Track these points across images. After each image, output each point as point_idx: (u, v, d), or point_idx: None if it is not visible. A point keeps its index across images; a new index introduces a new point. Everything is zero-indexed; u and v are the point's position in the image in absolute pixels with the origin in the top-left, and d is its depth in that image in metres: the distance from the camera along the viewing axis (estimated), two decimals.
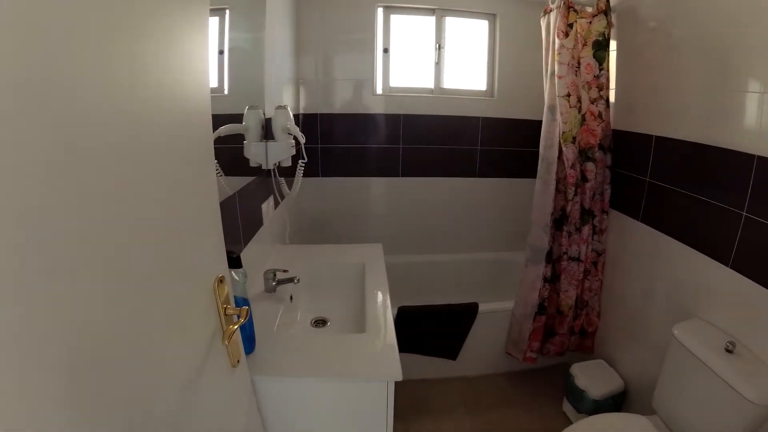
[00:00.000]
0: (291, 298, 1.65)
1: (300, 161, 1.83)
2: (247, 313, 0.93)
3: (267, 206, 1.85)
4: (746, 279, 1.53)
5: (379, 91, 2.74)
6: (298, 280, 1.62)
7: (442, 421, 2.25)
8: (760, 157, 1.48)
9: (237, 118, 1.58)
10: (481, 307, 2.40)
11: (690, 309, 1.81)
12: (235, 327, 0.89)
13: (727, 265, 1.62)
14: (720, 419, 1.47)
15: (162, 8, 0.65)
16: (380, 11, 2.67)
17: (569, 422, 2.17)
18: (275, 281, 1.61)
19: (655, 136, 2.00)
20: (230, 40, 1.53)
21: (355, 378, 1.21)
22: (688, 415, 1.61)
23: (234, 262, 1.13)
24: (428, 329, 2.41)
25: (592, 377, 2.18)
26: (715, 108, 1.69)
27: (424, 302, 2.47)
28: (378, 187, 2.88)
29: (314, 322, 1.68)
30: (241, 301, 1.14)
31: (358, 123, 2.74)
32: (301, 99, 2.66)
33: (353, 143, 2.77)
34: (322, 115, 2.70)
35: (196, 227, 0.83)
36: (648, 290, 2.08)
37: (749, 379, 1.39)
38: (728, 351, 1.50)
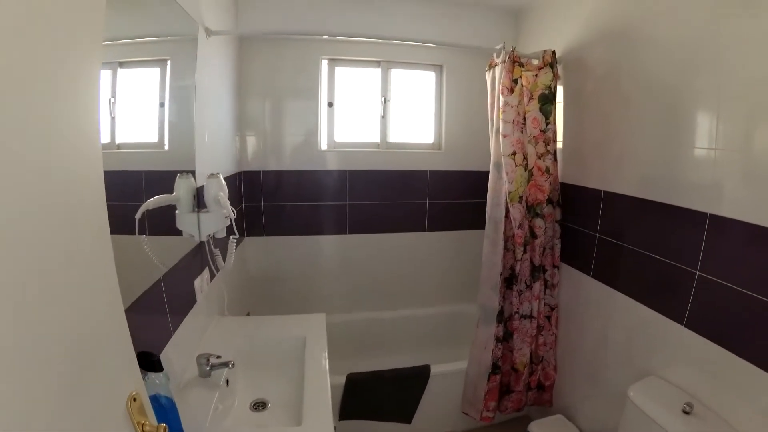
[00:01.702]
0: (227, 382, 1.55)
1: (231, 237, 1.76)
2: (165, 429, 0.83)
3: (201, 281, 1.75)
4: (702, 338, 1.55)
5: (324, 146, 2.72)
6: (233, 365, 1.52)
7: None
8: (712, 216, 1.51)
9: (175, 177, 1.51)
10: (434, 370, 2.35)
11: (646, 365, 1.82)
12: None
13: (681, 324, 1.64)
14: None
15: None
16: (324, 64, 2.67)
17: None
18: (209, 366, 1.51)
19: (604, 191, 2.04)
20: (171, 91, 1.47)
21: None
22: None
23: (154, 365, 1.06)
24: (380, 395, 2.32)
25: None
26: (664, 163, 1.73)
27: (377, 362, 2.42)
28: (325, 245, 2.82)
29: (254, 405, 1.59)
30: (165, 401, 1.06)
31: (303, 180, 2.69)
32: (243, 156, 2.60)
33: (298, 201, 2.71)
34: (265, 172, 2.64)
35: (93, 337, 0.68)
36: (603, 344, 2.09)
37: None
38: (686, 413, 1.49)
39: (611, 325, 2.04)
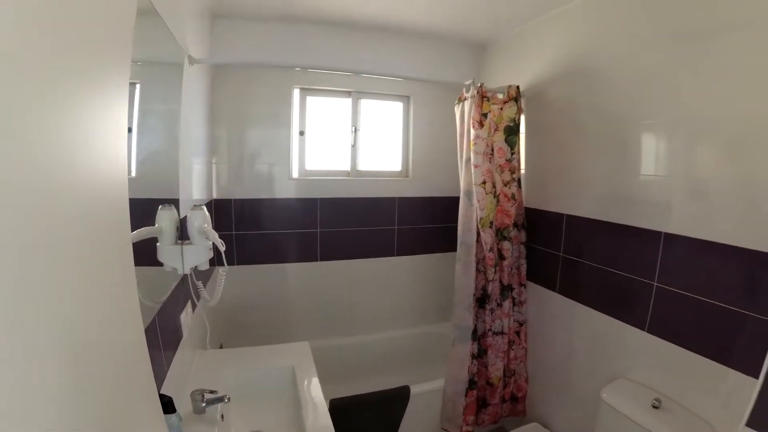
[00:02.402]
0: (222, 417, 1.57)
1: (221, 269, 1.75)
2: None
3: (186, 316, 1.75)
4: (663, 341, 1.78)
5: (295, 174, 2.78)
6: (229, 399, 1.54)
7: None
8: (666, 234, 1.76)
9: (146, 203, 1.49)
10: (413, 390, 2.45)
11: (614, 370, 2.03)
12: None
13: (644, 330, 1.87)
14: None
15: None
16: (297, 93, 2.74)
17: None
18: (204, 402, 1.53)
19: (566, 214, 2.27)
20: (140, 117, 1.47)
21: None
22: None
23: (167, 407, 1.08)
24: (363, 418, 2.39)
25: None
26: (618, 187, 1.98)
27: (357, 386, 2.48)
28: (297, 272, 2.85)
29: None
30: None
31: (274, 208, 2.73)
32: (214, 184, 2.60)
33: (269, 229, 2.74)
34: (236, 200, 2.66)
35: (119, 372, 0.60)
36: (571, 354, 2.30)
37: (679, 430, 1.59)
38: (655, 407, 1.71)
39: (577, 336, 2.25)
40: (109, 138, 0.60)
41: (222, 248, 1.66)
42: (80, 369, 0.47)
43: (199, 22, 2.13)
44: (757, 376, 1.20)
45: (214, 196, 2.60)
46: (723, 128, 1.56)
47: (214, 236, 1.65)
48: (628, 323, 1.96)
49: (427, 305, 3.20)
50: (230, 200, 2.65)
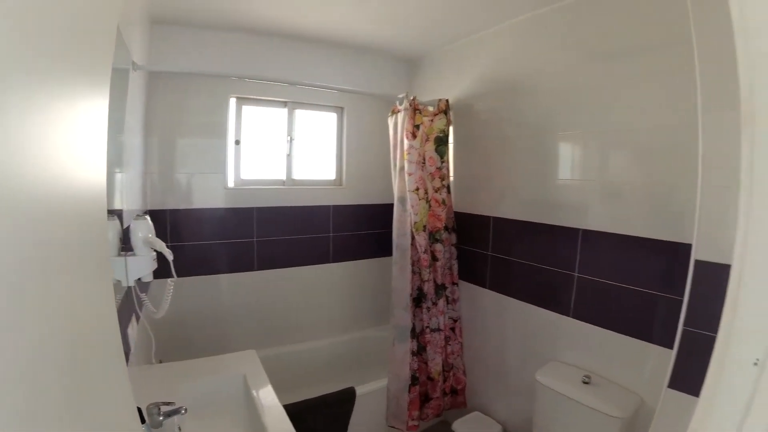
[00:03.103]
0: (179, 429, 1.57)
1: (169, 280, 1.73)
2: None
3: (132, 329, 1.75)
4: (587, 324, 2.07)
5: (231, 184, 2.79)
6: (186, 410, 1.54)
7: None
8: (584, 230, 2.05)
9: None
10: (359, 390, 2.56)
11: (546, 354, 2.29)
12: None
13: (569, 316, 2.15)
14: None
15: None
16: (233, 102, 2.76)
17: None
18: (161, 415, 1.55)
19: (493, 217, 2.51)
20: None
21: None
22: None
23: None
24: (311, 422, 2.47)
25: (473, 429, 2.52)
26: (542, 191, 2.25)
27: (302, 393, 2.54)
28: (235, 282, 2.87)
29: None
30: None
31: (210, 218, 2.73)
32: (149, 194, 2.56)
33: (206, 239, 2.73)
34: (171, 210, 2.62)
35: (103, 376, 0.62)
36: (504, 344, 2.55)
37: (609, 401, 1.85)
38: (585, 383, 1.98)
39: (509, 327, 2.50)
40: (87, 144, 0.60)
41: (170, 257, 1.65)
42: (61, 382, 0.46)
43: (140, 27, 2.12)
44: (672, 347, 1.44)
45: (149, 206, 2.56)
46: (632, 138, 1.86)
47: (162, 245, 1.64)
48: (554, 311, 2.23)
49: (365, 310, 3.35)
50: (165, 210, 2.61)
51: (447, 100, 2.63)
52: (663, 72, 1.73)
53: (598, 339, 2.04)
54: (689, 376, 1.39)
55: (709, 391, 0.73)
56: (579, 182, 2.10)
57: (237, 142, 2.81)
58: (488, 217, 2.56)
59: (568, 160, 2.17)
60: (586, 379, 2.00)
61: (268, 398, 1.76)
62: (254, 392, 1.78)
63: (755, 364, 0.67)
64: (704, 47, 1.33)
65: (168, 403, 1.54)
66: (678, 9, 1.55)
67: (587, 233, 2.05)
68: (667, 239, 1.74)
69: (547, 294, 2.28)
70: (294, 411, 2.38)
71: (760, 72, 0.61)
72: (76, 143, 0.54)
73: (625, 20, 1.87)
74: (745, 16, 0.61)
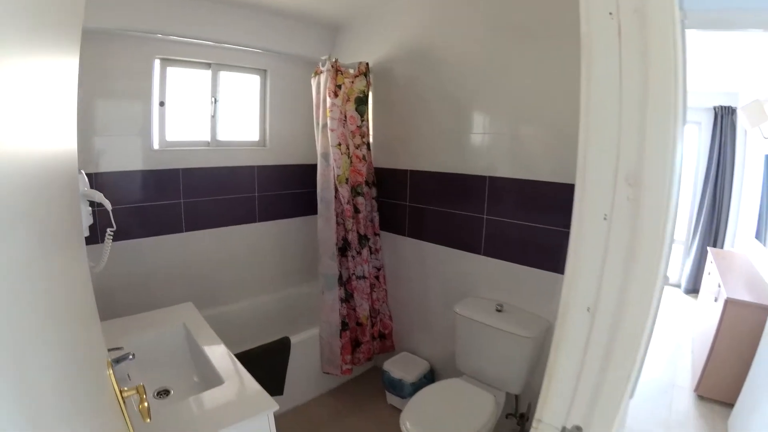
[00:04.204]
0: (129, 376, 1.61)
1: (108, 230, 1.76)
2: (143, 388, 1.03)
3: None
4: (496, 260, 2.44)
5: (156, 146, 2.83)
6: (134, 356, 1.61)
7: None
8: (490, 177, 2.40)
9: None
10: (293, 339, 2.78)
11: (463, 291, 2.64)
12: (146, 402, 1.02)
13: (480, 254, 2.51)
14: (508, 358, 2.27)
15: None
16: (157, 64, 2.77)
17: (397, 411, 2.75)
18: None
19: (410, 170, 2.81)
20: None
21: (240, 422, 1.35)
22: (486, 365, 2.40)
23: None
24: (250, 373, 2.66)
25: (403, 367, 2.86)
26: (458, 145, 2.56)
27: (239, 348, 2.61)
28: (165, 245, 2.92)
29: (157, 394, 1.73)
30: None
31: (136, 180, 2.75)
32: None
33: (133, 203, 2.75)
34: (97, 174, 2.59)
35: (80, 309, 0.81)
36: (425, 287, 2.88)
37: (520, 324, 2.22)
38: (498, 311, 2.35)
39: (429, 270, 2.83)
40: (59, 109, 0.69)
41: (109, 207, 1.68)
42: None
43: None
44: None
45: None
46: (529, 99, 2.22)
47: (101, 196, 1.65)
48: (468, 251, 2.59)
49: (294, 267, 3.57)
50: (90, 174, 2.53)
51: (367, 63, 2.87)
52: (555, 39, 2.08)
53: (507, 273, 2.41)
54: None
55: (558, 332, 1.04)
56: (489, 136, 2.44)
57: (162, 104, 2.84)
58: (405, 171, 2.86)
59: (480, 120, 2.49)
60: (499, 308, 2.37)
61: (211, 342, 1.87)
62: (197, 338, 1.89)
63: (588, 310, 0.97)
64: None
65: (115, 349, 1.63)
66: None
67: (494, 179, 2.41)
68: (563, 182, 2.10)
69: (460, 236, 2.62)
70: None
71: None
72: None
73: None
74: None
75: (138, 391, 1.04)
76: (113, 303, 2.70)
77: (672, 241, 0.92)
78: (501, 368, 2.35)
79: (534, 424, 1.15)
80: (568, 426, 1.07)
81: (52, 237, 0.66)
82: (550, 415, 1.13)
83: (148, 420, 1.01)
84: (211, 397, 1.50)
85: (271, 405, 1.44)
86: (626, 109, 0.88)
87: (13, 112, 0.49)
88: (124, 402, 0.96)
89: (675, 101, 0.83)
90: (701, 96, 5.07)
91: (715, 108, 5.05)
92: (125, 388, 1.01)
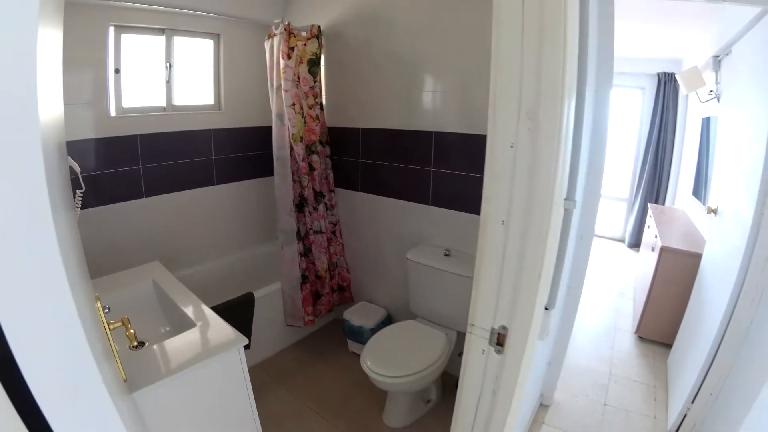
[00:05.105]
0: None
1: (78, 191, 1.76)
2: (127, 319, 1.20)
3: None
4: (443, 209, 2.70)
5: (113, 113, 2.91)
6: (109, 309, 1.60)
7: (263, 403, 2.69)
8: (436, 132, 2.65)
9: None
10: (257, 294, 2.95)
11: (414, 241, 2.90)
12: (132, 329, 1.20)
13: (428, 204, 2.76)
14: (457, 298, 2.52)
15: None
16: (111, 31, 2.82)
17: (359, 357, 2.88)
18: None
19: (362, 128, 3.04)
20: None
21: (213, 356, 1.49)
22: (437, 306, 2.68)
23: None
24: None
25: (362, 316, 3.13)
26: (407, 103, 2.79)
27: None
28: (126, 211, 2.99)
29: (133, 347, 1.74)
30: None
31: (93, 148, 2.83)
32: None
33: (91, 171, 2.81)
34: None
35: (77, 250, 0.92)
36: (380, 239, 3.14)
37: (466, 266, 2.49)
38: (446, 255, 2.63)
39: (383, 222, 3.08)
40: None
41: (77, 169, 1.71)
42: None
43: None
44: None
45: None
46: (475, 58, 2.43)
47: (69, 160, 1.66)
48: (417, 202, 2.84)
49: (254, 228, 3.75)
50: None
51: (319, 26, 3.04)
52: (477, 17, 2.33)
53: (454, 220, 2.67)
54: None
55: (481, 243, 1.29)
56: (436, 94, 2.68)
57: (117, 71, 2.90)
58: (357, 129, 3.08)
59: (428, 79, 2.70)
60: (447, 253, 2.64)
61: (181, 293, 2.00)
62: (167, 292, 2.01)
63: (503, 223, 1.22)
64: None
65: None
66: None
67: (439, 134, 2.66)
68: None
69: (410, 188, 2.88)
70: None
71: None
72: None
73: None
74: None
75: (123, 323, 1.21)
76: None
77: (566, 166, 1.17)
78: (451, 308, 2.62)
79: (468, 329, 1.38)
80: (496, 326, 1.32)
81: (59, 193, 0.79)
82: (480, 319, 1.37)
83: (135, 343, 1.20)
84: (185, 338, 1.64)
85: (241, 340, 1.62)
86: (527, 52, 1.10)
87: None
88: (110, 334, 1.10)
89: (564, 47, 1.05)
90: (646, 63, 5.44)
91: (659, 74, 5.41)
92: (112, 321, 1.15)
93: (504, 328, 1.29)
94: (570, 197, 1.44)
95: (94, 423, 0.74)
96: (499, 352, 1.31)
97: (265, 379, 2.98)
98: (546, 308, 1.48)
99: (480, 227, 1.28)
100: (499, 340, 1.30)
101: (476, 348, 1.38)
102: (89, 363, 0.70)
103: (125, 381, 1.18)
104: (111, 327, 1.13)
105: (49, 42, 0.71)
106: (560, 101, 1.06)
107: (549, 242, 1.15)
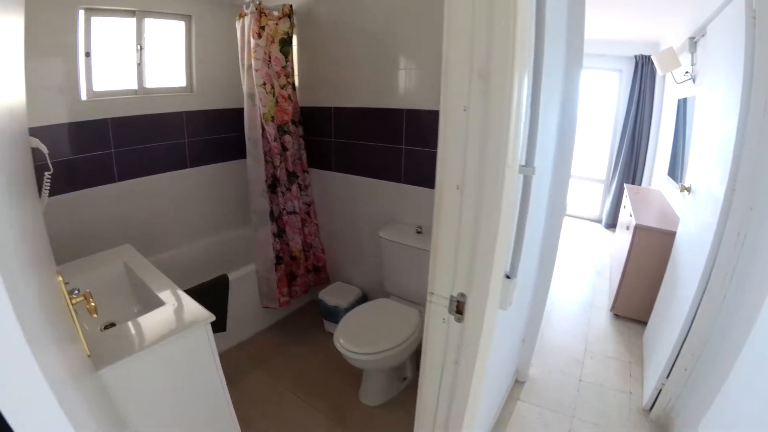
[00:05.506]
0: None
1: (46, 173, 1.71)
2: (89, 293, 1.21)
3: None
4: (415, 186, 2.76)
5: (84, 97, 2.89)
6: (79, 291, 1.59)
7: (240, 385, 2.78)
8: (408, 110, 2.69)
9: None
10: (231, 276, 2.98)
11: (388, 218, 2.95)
12: (93, 302, 1.20)
13: (401, 182, 2.81)
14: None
15: None
16: (81, 14, 2.79)
17: None
18: None
19: (334, 107, 3.08)
20: None
21: (180, 332, 1.53)
22: (410, 283, 2.74)
23: None
24: None
25: (337, 296, 3.18)
26: (379, 82, 2.82)
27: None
28: (99, 196, 2.98)
29: (104, 327, 1.85)
30: None
31: (64, 133, 2.80)
32: None
33: (63, 156, 2.79)
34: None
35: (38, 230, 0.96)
36: (354, 219, 3.19)
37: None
38: (419, 233, 2.68)
39: (356, 202, 3.13)
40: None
41: (45, 151, 1.72)
42: None
43: None
44: None
45: None
46: (439, 40, 2.40)
47: (37, 141, 1.69)
48: (390, 180, 2.89)
49: (228, 210, 3.76)
50: None
51: (291, 6, 3.05)
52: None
53: (426, 198, 2.73)
54: None
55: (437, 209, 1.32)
56: (407, 71, 2.70)
57: (87, 55, 2.88)
58: (330, 108, 3.11)
59: (400, 57, 2.73)
60: (419, 230, 2.69)
61: (151, 274, 2.02)
62: (139, 274, 2.02)
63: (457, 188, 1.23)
64: None
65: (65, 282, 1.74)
66: None
67: (411, 112, 2.70)
68: None
69: (383, 167, 2.92)
70: None
71: None
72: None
73: None
74: None
75: (85, 297, 1.22)
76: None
77: (520, 130, 1.18)
78: (423, 285, 2.62)
79: (428, 297, 1.41)
80: (455, 294, 1.34)
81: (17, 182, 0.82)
82: (439, 287, 1.40)
83: (95, 315, 1.20)
84: (153, 317, 1.67)
85: (208, 316, 1.67)
86: (478, 8, 1.10)
87: None
88: (73, 308, 1.13)
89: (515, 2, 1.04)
90: (623, 45, 5.52)
91: (636, 57, 5.49)
92: (74, 296, 1.18)
93: (462, 295, 1.31)
94: (529, 164, 1.45)
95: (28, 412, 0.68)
96: (459, 320, 1.33)
97: (242, 361, 3.02)
98: (508, 277, 1.49)
99: (435, 192, 1.29)
100: (458, 308, 1.32)
101: (437, 317, 1.40)
102: (20, 346, 0.64)
103: (89, 356, 1.20)
104: (73, 301, 1.15)
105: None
106: (511, 59, 1.06)
107: (504, 206, 1.16)
